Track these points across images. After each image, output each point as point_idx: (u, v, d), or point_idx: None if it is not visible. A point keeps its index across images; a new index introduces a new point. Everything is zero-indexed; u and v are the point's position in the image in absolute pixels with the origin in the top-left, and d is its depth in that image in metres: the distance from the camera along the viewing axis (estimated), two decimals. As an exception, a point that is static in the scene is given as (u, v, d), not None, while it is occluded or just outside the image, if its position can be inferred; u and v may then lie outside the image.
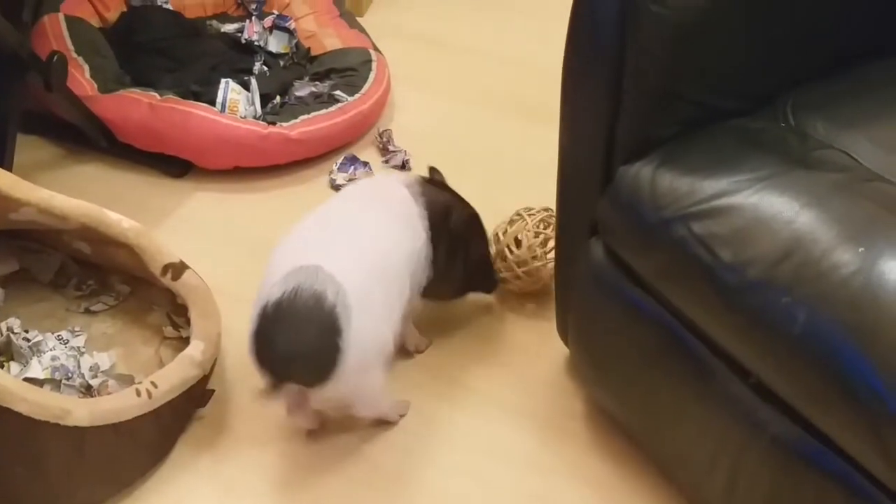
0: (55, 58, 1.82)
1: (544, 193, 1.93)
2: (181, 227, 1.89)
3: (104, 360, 1.55)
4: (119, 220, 1.56)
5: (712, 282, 1.18)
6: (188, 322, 1.57)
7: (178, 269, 1.56)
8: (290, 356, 1.34)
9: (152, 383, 1.42)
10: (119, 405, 1.38)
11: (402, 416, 1.57)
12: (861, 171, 1.19)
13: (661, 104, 1.28)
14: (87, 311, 1.66)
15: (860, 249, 1.09)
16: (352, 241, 1.44)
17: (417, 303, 1.55)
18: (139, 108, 1.93)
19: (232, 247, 1.86)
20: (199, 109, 1.93)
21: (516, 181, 2.00)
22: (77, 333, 1.60)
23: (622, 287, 1.34)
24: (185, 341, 1.56)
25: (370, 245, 1.44)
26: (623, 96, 1.28)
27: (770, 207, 1.16)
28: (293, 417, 1.48)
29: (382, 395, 1.50)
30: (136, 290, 1.69)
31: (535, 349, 1.68)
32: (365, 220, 1.49)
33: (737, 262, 1.15)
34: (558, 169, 1.43)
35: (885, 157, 1.20)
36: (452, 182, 2.04)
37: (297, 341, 1.33)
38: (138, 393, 1.40)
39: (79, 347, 1.57)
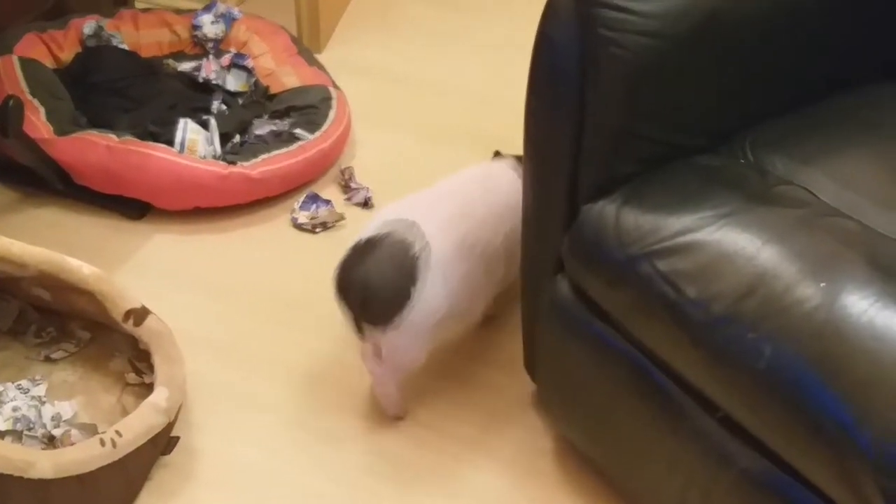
0: (11, 102, 1.80)
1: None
2: (141, 271, 1.87)
3: (66, 409, 1.52)
4: (79, 267, 1.54)
5: (678, 318, 1.19)
6: (150, 367, 1.55)
7: (140, 314, 1.54)
8: (367, 286, 1.45)
9: (117, 432, 1.39)
10: (83, 456, 1.36)
11: (397, 418, 1.61)
12: (820, 207, 1.21)
13: (623, 143, 1.29)
14: (48, 359, 1.63)
15: (822, 284, 1.11)
16: (452, 212, 1.56)
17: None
18: (97, 150, 1.91)
19: (193, 289, 1.85)
20: (158, 151, 1.92)
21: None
22: (37, 382, 1.57)
23: (589, 323, 1.35)
24: (149, 387, 1.54)
25: (467, 221, 1.55)
26: (584, 136, 1.29)
27: (733, 244, 1.18)
28: (369, 366, 1.57)
29: (412, 366, 1.56)
30: (97, 335, 1.67)
31: (501, 386, 1.68)
32: (471, 196, 1.60)
33: (702, 298, 1.17)
34: (522, 206, 1.44)
35: (842, 193, 1.23)
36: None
37: (377, 273, 1.45)
38: (102, 443, 1.38)
39: (40, 397, 1.54)
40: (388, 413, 1.62)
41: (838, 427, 1.04)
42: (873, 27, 1.43)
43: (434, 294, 1.47)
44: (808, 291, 1.11)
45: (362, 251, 1.48)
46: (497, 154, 1.78)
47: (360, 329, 1.49)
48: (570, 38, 1.25)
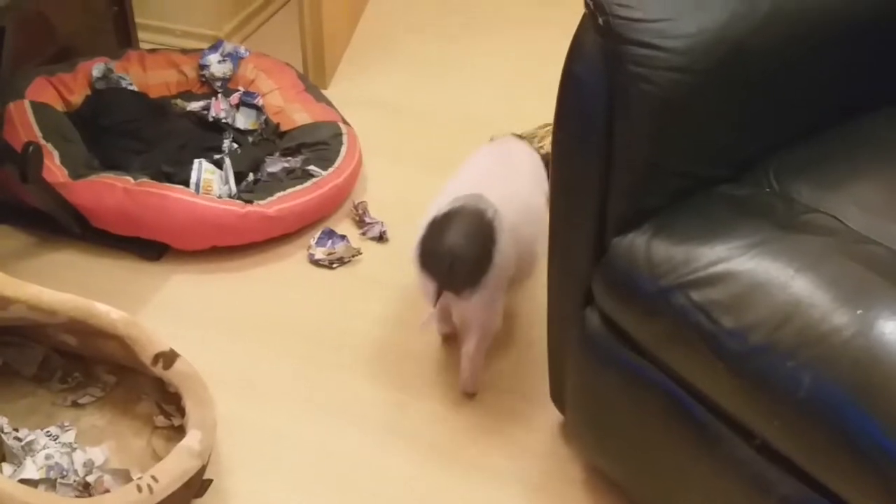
0: (31, 149, 1.80)
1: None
2: (161, 312, 1.88)
3: (97, 454, 1.52)
4: (108, 312, 1.54)
5: (715, 348, 1.20)
6: (178, 410, 1.55)
7: (168, 357, 1.55)
8: (454, 253, 1.56)
9: (153, 477, 1.39)
10: (121, 502, 1.36)
11: (471, 395, 1.72)
12: (849, 234, 1.23)
13: (651, 177, 1.31)
14: (75, 405, 1.63)
15: (858, 312, 1.12)
16: (506, 183, 1.73)
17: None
18: (114, 193, 1.92)
19: (213, 329, 1.85)
20: (175, 192, 1.93)
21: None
22: (66, 428, 1.57)
23: (621, 354, 1.36)
24: (178, 430, 1.54)
25: (519, 188, 1.74)
26: (613, 171, 1.31)
27: (766, 273, 1.20)
28: (440, 325, 1.77)
29: (495, 328, 1.69)
30: (123, 379, 1.67)
31: (528, 416, 1.69)
32: (515, 169, 1.79)
33: (738, 328, 1.18)
34: (549, 239, 1.46)
35: (870, 219, 1.25)
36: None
37: (461, 240, 1.57)
38: (139, 489, 1.37)
39: (70, 443, 1.53)
40: (466, 390, 1.72)
41: (883, 454, 1.05)
42: (891, 53, 1.45)
43: (508, 255, 1.61)
44: (845, 319, 1.12)
45: (441, 225, 1.59)
46: (493, 139, 1.97)
47: (440, 295, 1.59)
48: (597, 75, 1.27)
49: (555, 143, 1.36)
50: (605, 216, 1.35)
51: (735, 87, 1.28)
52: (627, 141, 1.28)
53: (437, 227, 1.60)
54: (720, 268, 1.22)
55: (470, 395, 1.72)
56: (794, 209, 1.29)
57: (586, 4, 1.25)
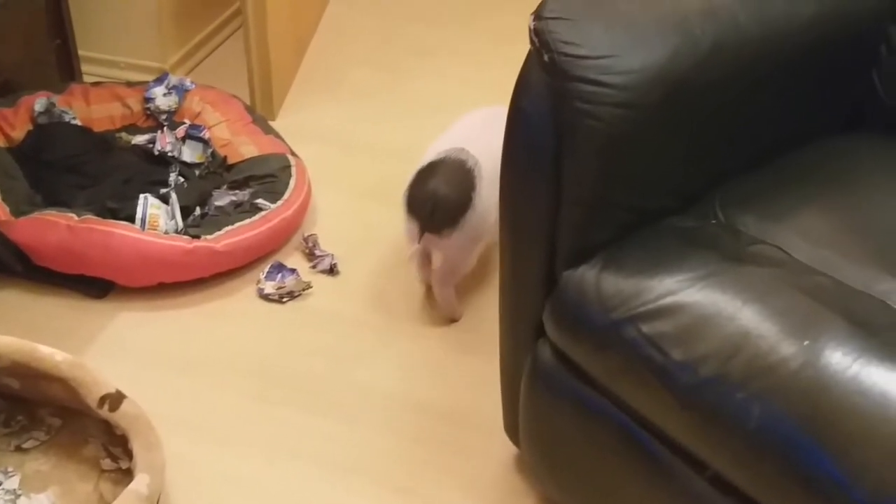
0: (-30, 187, 1.76)
1: (476, 291, 1.97)
2: (108, 351, 1.84)
3: (43, 501, 1.49)
4: (51, 354, 1.51)
5: (666, 381, 1.21)
6: (126, 452, 1.51)
7: (115, 399, 1.51)
8: (436, 196, 1.75)
9: (100, 524, 1.36)
10: (67, 552, 1.32)
11: (453, 320, 1.92)
12: (795, 265, 1.25)
13: (599, 211, 1.32)
14: (18, 449, 1.59)
15: (805, 343, 1.14)
16: (487, 140, 1.77)
17: None
18: (57, 230, 1.89)
19: (161, 368, 1.82)
20: (120, 228, 1.90)
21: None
22: (10, 474, 1.53)
23: (573, 387, 1.36)
24: (125, 473, 1.51)
25: (493, 149, 1.73)
26: (561, 205, 1.32)
27: (714, 305, 1.21)
28: (421, 272, 1.93)
29: (467, 269, 1.87)
30: (68, 422, 1.63)
31: (482, 449, 1.68)
32: (498, 127, 1.82)
33: (688, 360, 1.19)
34: (500, 273, 1.46)
35: (815, 250, 1.27)
36: (381, 283, 2.06)
37: (443, 186, 1.76)
38: (86, 536, 1.34)
39: (14, 489, 1.50)
40: (449, 316, 1.91)
41: (833, 484, 1.06)
42: (832, 83, 1.49)
43: (486, 201, 1.75)
44: (793, 350, 1.13)
45: (427, 173, 1.80)
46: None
47: (422, 236, 1.77)
48: (544, 111, 1.27)
49: (503, 177, 1.37)
50: (554, 249, 1.35)
51: (679, 121, 1.29)
52: (575, 175, 1.29)
53: (422, 176, 1.80)
54: (669, 300, 1.23)
55: (451, 321, 1.93)
56: (740, 241, 1.30)
57: (531, 41, 1.26)
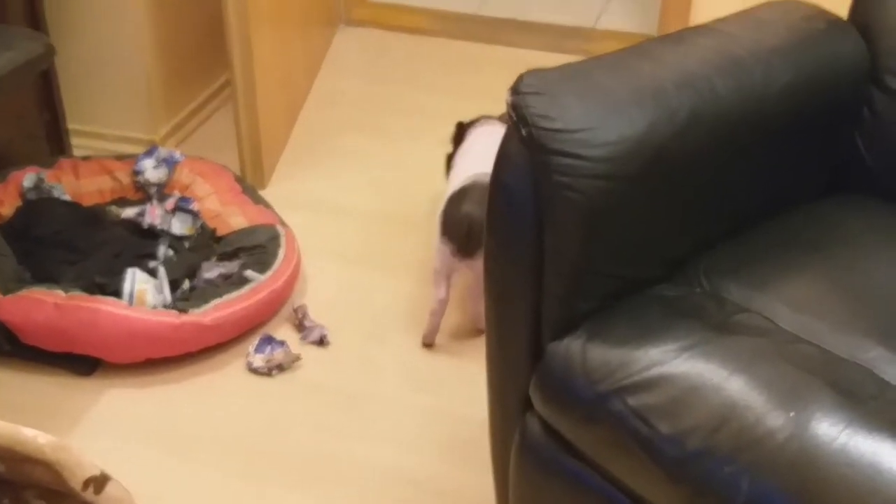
0: (-45, 268, 1.76)
1: (470, 357, 1.96)
2: (96, 430, 1.82)
3: (25, 589, 1.45)
4: (35, 437, 1.48)
5: (653, 454, 1.19)
6: (112, 534, 1.49)
7: (99, 482, 1.48)
8: (471, 219, 1.85)
9: None
10: None
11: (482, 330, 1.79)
12: (779, 334, 1.24)
13: (582, 281, 1.31)
14: (2, 535, 1.56)
15: (791, 414, 1.12)
16: None
17: None
18: (44, 308, 1.88)
19: (151, 446, 1.80)
20: (107, 305, 1.89)
21: (439, 341, 2.03)
22: (-7, 561, 1.50)
23: (562, 460, 1.34)
24: (111, 556, 1.48)
25: None
26: (545, 276, 1.31)
27: (700, 376, 1.20)
28: (439, 290, 1.97)
29: None
30: (53, 504, 1.60)
31: (474, 523, 1.66)
32: None
33: (675, 433, 1.17)
34: (486, 346, 1.44)
35: (799, 318, 1.26)
36: (372, 351, 2.04)
37: (474, 208, 1.84)
38: None
39: (-4, 578, 1.46)
40: (481, 327, 1.82)
41: (825, 559, 1.04)
42: (814, 147, 1.49)
43: None
44: (779, 422, 1.12)
45: (459, 198, 1.92)
46: (464, 123, 2.25)
47: (460, 256, 1.90)
48: (524, 183, 1.27)
49: (487, 249, 1.36)
50: (539, 321, 1.34)
51: (659, 191, 1.29)
52: (557, 247, 1.29)
53: (455, 200, 1.92)
54: (655, 372, 1.22)
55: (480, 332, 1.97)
56: (725, 309, 1.30)
57: (509, 116, 1.26)
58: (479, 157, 1.99)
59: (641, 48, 1.37)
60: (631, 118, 1.25)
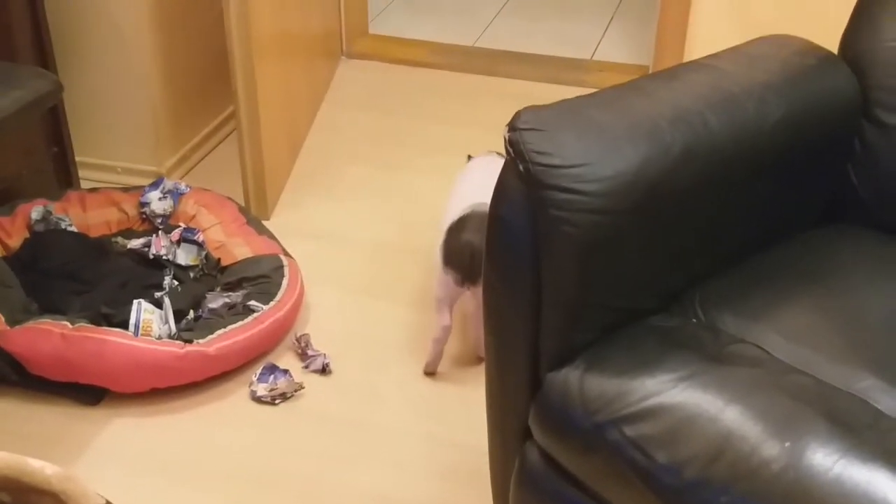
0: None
1: (472, 385, 1.98)
2: (102, 459, 1.84)
3: None
4: (42, 468, 1.50)
5: (651, 484, 1.21)
6: (117, 564, 1.50)
7: (105, 511, 1.51)
8: (472, 247, 1.89)
9: None
10: None
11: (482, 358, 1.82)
12: (774, 364, 1.26)
13: (580, 313, 1.33)
14: (9, 565, 1.58)
15: (786, 444, 1.14)
16: None
17: None
18: (51, 339, 1.90)
19: (156, 474, 1.82)
20: (113, 336, 1.92)
21: (440, 369, 2.05)
22: (-1, 592, 1.52)
23: (561, 490, 1.36)
24: (116, 586, 1.50)
25: None
26: (542, 308, 1.33)
27: (696, 406, 1.22)
28: (442, 317, 2.00)
29: None
30: (60, 534, 1.62)
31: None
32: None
33: (672, 463, 1.19)
34: (486, 376, 1.47)
35: (793, 348, 1.28)
36: (375, 380, 2.06)
37: (475, 236, 1.89)
38: None
39: None
40: (478, 353, 2.07)
41: (819, 588, 1.06)
42: (807, 179, 1.52)
43: None
44: (774, 452, 1.14)
45: (458, 228, 1.95)
46: (471, 157, 2.30)
47: (463, 285, 1.94)
48: (522, 217, 1.30)
49: (486, 281, 1.39)
50: (537, 352, 1.37)
51: (654, 224, 1.32)
52: (554, 279, 1.31)
53: (455, 230, 1.95)
54: (652, 402, 1.24)
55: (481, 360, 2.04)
56: (720, 340, 1.32)
57: (507, 151, 1.29)
58: (477, 186, 2.04)
59: (636, 84, 1.40)
60: (626, 154, 1.28)
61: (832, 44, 1.60)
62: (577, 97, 1.36)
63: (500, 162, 2.12)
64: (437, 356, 2.04)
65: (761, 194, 1.46)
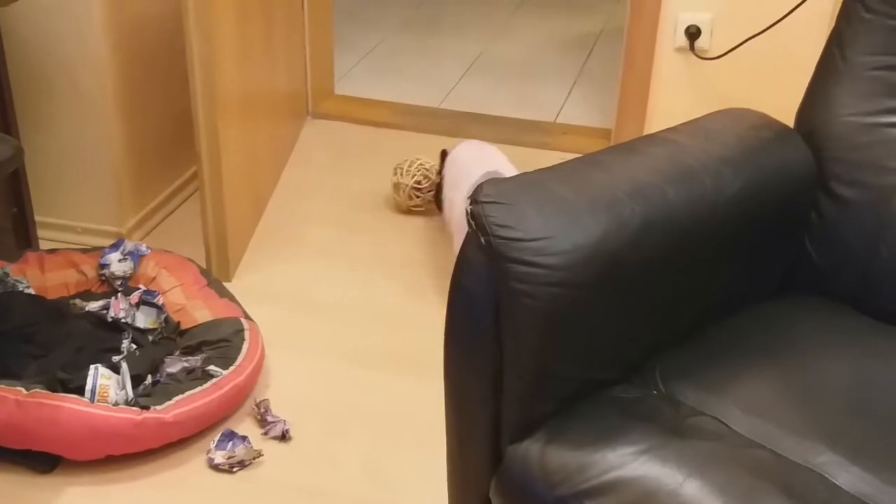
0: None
1: (432, 454, 1.96)
2: (53, 529, 1.80)
3: None
4: (-10, 542, 1.47)
5: (612, 560, 1.20)
6: None
7: (55, 587, 1.47)
8: None
9: None
10: None
11: None
12: (734, 438, 1.27)
13: (541, 384, 1.34)
14: None
15: (746, 520, 1.14)
16: (498, 161, 2.48)
17: None
18: (5, 405, 1.86)
19: (109, 545, 1.78)
20: (68, 402, 1.88)
21: (402, 436, 2.02)
22: None
23: (523, 565, 1.35)
24: None
25: (505, 164, 2.46)
26: (504, 380, 1.33)
27: (656, 480, 1.22)
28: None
29: None
30: None
31: None
32: (493, 153, 2.54)
33: (632, 539, 1.19)
34: (447, 447, 1.46)
35: (753, 421, 1.29)
36: (335, 447, 2.04)
37: None
38: None
39: None
40: None
41: None
42: (764, 250, 1.54)
43: None
44: (734, 528, 1.14)
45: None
46: (446, 151, 2.64)
47: None
48: (484, 288, 1.30)
49: (447, 353, 1.38)
50: (499, 423, 1.36)
51: (614, 296, 1.33)
52: (516, 351, 1.31)
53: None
54: (612, 475, 1.24)
55: None
56: (680, 412, 1.32)
57: (468, 224, 1.30)
58: (482, 159, 2.39)
59: (595, 158, 1.42)
60: (586, 227, 1.29)
61: (789, 113, 1.64)
62: (538, 170, 1.38)
63: (485, 145, 2.57)
64: None
65: (720, 266, 1.47)
